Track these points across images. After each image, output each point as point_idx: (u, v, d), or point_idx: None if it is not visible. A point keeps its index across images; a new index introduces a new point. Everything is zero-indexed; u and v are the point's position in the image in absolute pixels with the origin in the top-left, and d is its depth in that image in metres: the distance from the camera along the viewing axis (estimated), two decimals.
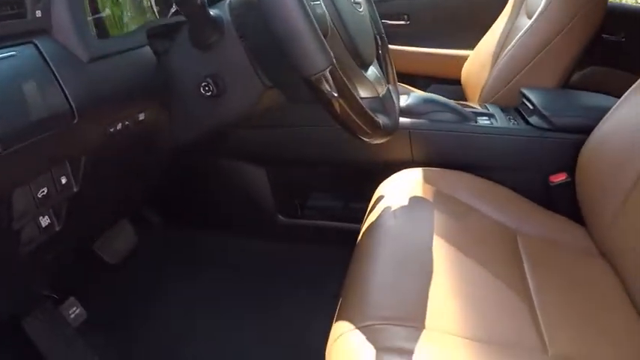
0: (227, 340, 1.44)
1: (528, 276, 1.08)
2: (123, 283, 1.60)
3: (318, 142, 1.52)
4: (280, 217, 1.68)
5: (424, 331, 0.86)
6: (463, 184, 1.31)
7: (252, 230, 1.74)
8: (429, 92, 2.32)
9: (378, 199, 1.26)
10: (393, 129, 1.13)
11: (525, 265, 1.11)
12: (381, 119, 1.04)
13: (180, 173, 1.64)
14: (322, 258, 1.57)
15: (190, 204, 1.77)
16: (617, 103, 1.26)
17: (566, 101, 1.47)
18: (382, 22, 2.46)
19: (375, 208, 1.22)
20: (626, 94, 1.26)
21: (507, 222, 1.25)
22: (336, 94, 0.85)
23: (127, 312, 1.53)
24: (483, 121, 1.45)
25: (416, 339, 0.85)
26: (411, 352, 0.81)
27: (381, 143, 1.43)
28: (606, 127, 1.27)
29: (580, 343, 0.92)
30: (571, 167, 1.34)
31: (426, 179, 1.31)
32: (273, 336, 1.45)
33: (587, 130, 1.30)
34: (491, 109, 1.53)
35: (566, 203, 1.35)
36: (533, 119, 1.42)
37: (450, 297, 0.96)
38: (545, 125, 1.40)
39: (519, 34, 1.75)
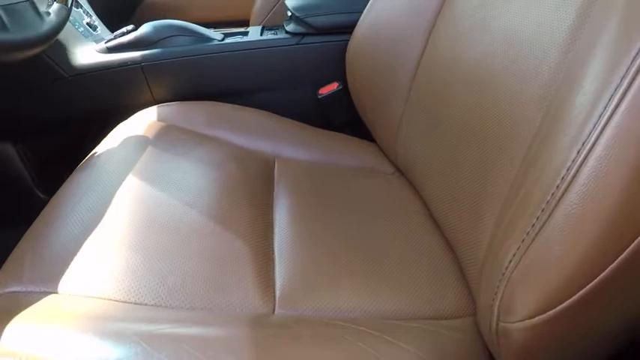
0: None
1: (276, 209, 0.83)
2: None
3: (51, 99, 1.21)
4: (41, 194, 1.36)
5: (60, 297, 0.62)
6: (204, 115, 1.04)
7: (18, 217, 1.42)
8: None
9: (96, 149, 0.97)
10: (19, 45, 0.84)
11: (277, 196, 0.86)
12: None
13: None
14: None
15: None
16: None
17: (327, 1, 1.22)
18: None
19: (84, 161, 0.93)
20: None
21: (262, 147, 1.00)
22: None
23: None
24: (232, 39, 1.18)
25: (44, 307, 0.60)
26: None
27: (116, 85, 1.16)
28: (369, 20, 1.05)
29: (323, 294, 0.67)
30: (343, 75, 1.10)
31: (161, 116, 1.03)
32: None
33: (351, 29, 1.08)
34: (251, 29, 1.27)
35: (344, 117, 1.11)
36: (290, 26, 1.17)
37: (132, 249, 0.68)
38: (301, 30, 1.14)
39: None
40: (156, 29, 1.16)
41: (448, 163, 0.78)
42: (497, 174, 0.65)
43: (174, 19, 2.04)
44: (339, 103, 1.13)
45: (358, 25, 1.06)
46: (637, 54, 0.44)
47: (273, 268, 0.70)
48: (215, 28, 2.03)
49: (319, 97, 1.13)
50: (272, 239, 0.76)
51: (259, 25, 1.41)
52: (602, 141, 0.44)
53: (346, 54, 1.08)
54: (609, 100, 0.45)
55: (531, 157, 0.56)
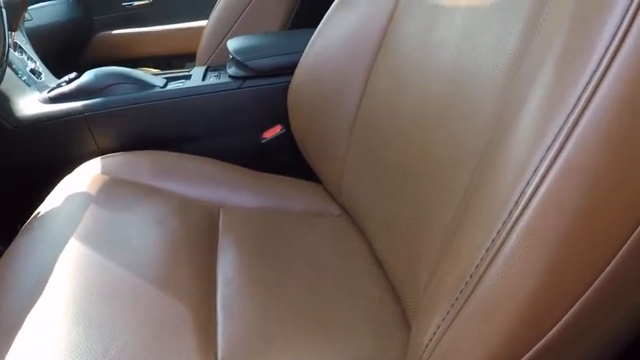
0: None
1: (220, 264, 0.84)
2: None
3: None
4: None
5: None
6: (149, 165, 1.04)
7: None
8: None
9: (40, 208, 0.97)
10: None
11: (222, 249, 0.87)
12: None
13: None
14: None
15: None
16: (316, 31, 1.04)
17: (268, 42, 1.24)
18: (127, 5, 2.26)
19: (29, 222, 0.93)
20: (326, 16, 1.04)
21: (206, 196, 1.01)
22: None
23: None
24: (174, 85, 1.19)
25: None
26: None
27: (60, 135, 1.16)
28: (309, 59, 1.06)
29: (266, 355, 0.68)
30: (287, 117, 1.11)
31: (105, 169, 1.03)
32: None
33: (292, 70, 1.09)
34: (194, 71, 1.27)
35: (289, 160, 1.12)
36: (232, 70, 1.18)
37: (75, 320, 0.68)
38: (242, 73, 1.15)
39: None
40: (97, 78, 1.16)
41: (389, 201, 0.78)
42: (434, 216, 0.65)
43: (124, 54, 2.07)
44: (283, 146, 1.14)
45: (299, 66, 1.06)
46: (571, 113, 0.41)
47: (216, 331, 0.71)
48: (164, 61, 2.05)
49: (263, 141, 1.14)
50: (215, 299, 0.77)
51: (205, 63, 1.42)
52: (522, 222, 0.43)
53: (288, 95, 1.08)
54: (534, 173, 0.43)
55: (465, 205, 0.56)
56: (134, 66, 2.02)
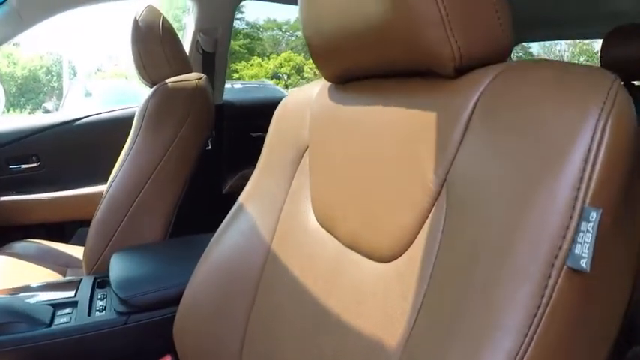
0: None
1: None
2: None
3: None
4: None
5: None
6: None
7: None
8: (74, 240, 2.10)
9: None
10: None
11: None
12: None
13: None
14: None
15: None
16: (200, 260, 1.10)
17: (150, 274, 1.29)
18: (15, 168, 2.24)
19: None
20: (207, 248, 1.09)
21: None
22: None
23: None
24: (62, 318, 1.22)
25: None
26: None
27: None
28: (191, 291, 1.08)
29: None
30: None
31: None
32: None
33: (177, 301, 1.11)
34: (81, 290, 1.31)
35: None
36: (116, 304, 1.23)
37: None
38: (127, 309, 1.21)
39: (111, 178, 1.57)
40: None
41: None
42: None
43: (14, 222, 2.06)
44: None
45: (183, 297, 1.09)
46: None
47: None
48: (56, 229, 2.04)
49: None
50: None
51: (92, 268, 1.47)
52: None
53: (174, 327, 1.11)
54: None
55: None
56: (25, 235, 2.03)
